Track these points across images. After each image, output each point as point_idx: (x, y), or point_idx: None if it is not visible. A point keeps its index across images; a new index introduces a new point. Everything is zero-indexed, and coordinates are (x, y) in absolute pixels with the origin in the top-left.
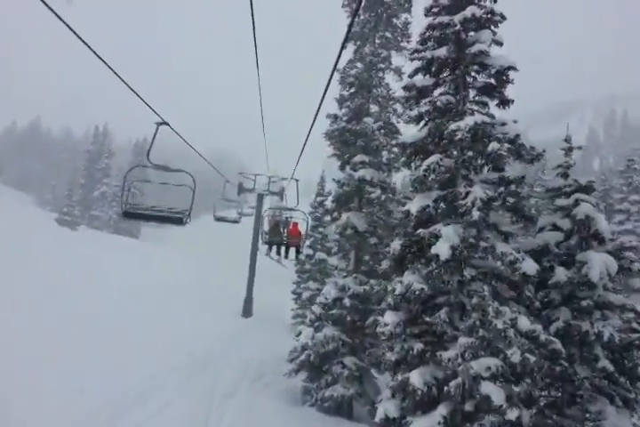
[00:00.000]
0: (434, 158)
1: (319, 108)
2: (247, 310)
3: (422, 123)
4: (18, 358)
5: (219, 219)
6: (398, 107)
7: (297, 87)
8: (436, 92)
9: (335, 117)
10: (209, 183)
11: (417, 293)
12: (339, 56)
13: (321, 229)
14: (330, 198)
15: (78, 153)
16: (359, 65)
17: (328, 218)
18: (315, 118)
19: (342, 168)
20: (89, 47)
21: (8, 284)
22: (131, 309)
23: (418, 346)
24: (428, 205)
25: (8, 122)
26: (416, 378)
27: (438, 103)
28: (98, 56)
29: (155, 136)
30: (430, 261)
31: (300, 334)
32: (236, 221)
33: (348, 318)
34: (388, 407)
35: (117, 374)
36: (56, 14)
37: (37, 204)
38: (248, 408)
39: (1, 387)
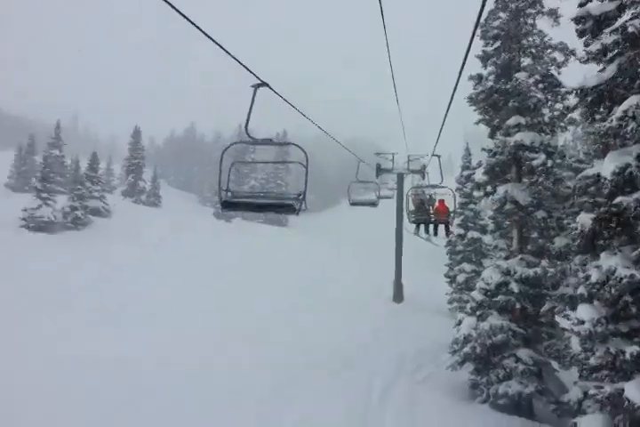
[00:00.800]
0: (633, 100)
1: (461, 70)
2: (398, 295)
3: (603, 63)
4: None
5: (355, 203)
6: (557, 55)
7: (430, 49)
8: (621, 20)
9: (480, 78)
10: (346, 168)
11: (624, 280)
12: (482, 6)
13: (472, 206)
14: (480, 171)
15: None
16: (503, 15)
17: (479, 193)
18: (457, 83)
19: (492, 135)
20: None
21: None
22: (279, 304)
23: (632, 349)
24: (629, 165)
25: (167, 132)
26: (634, 392)
27: (630, 29)
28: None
29: (253, 101)
30: (638, 238)
31: (460, 323)
32: (374, 204)
33: (517, 306)
34: None
35: (266, 373)
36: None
37: (199, 201)
38: (409, 403)
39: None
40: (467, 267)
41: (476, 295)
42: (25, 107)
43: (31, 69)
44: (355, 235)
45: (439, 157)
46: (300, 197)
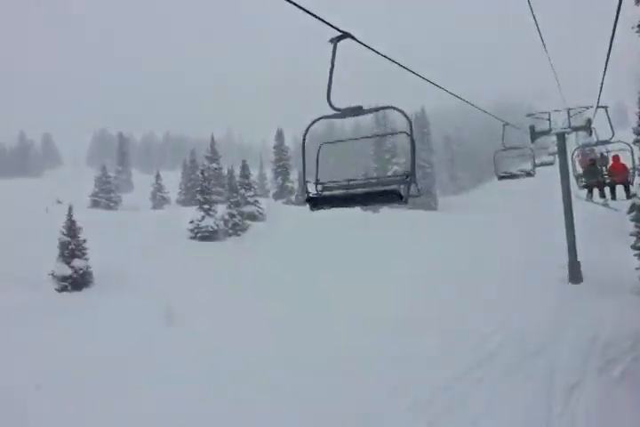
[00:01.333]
0: None
1: None
2: (575, 275)
3: None
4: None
5: (503, 176)
6: None
7: None
8: None
9: None
10: (498, 140)
11: None
12: None
13: None
14: None
15: (367, 140)
16: None
17: None
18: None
19: None
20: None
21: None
22: (436, 289)
23: None
24: None
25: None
26: None
27: None
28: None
29: (334, 55)
30: None
31: None
32: (529, 174)
33: None
34: None
35: (432, 370)
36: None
37: None
38: (603, 407)
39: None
40: None
41: None
42: (186, 127)
43: (186, 94)
44: (513, 210)
45: (606, 108)
46: (408, 178)
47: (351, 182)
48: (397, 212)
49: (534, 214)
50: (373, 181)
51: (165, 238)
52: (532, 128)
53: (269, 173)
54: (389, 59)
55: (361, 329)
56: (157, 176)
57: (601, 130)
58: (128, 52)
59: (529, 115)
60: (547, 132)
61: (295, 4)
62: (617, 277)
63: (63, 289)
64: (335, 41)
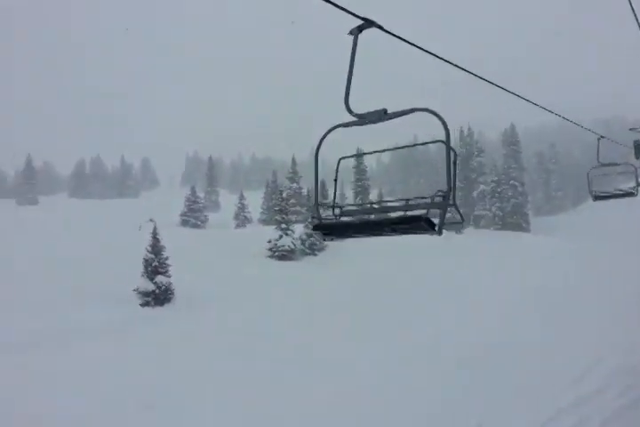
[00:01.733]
0: None
1: None
2: None
3: None
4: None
5: (599, 196)
6: None
7: None
8: None
9: None
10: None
11: None
12: None
13: None
14: None
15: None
16: None
17: None
18: None
19: None
20: None
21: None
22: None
23: None
24: None
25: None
26: None
27: None
28: None
29: (354, 53)
30: None
31: None
32: (630, 194)
33: None
34: None
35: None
36: None
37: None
38: None
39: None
40: None
41: None
42: (271, 149)
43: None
44: (614, 234)
45: None
46: (445, 200)
47: (374, 205)
48: (484, 233)
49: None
50: (399, 204)
51: (244, 257)
52: (636, 143)
53: (350, 193)
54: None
55: (439, 358)
56: (241, 196)
57: None
58: (218, 76)
59: (632, 129)
60: None
61: None
62: None
63: (146, 304)
64: (355, 34)
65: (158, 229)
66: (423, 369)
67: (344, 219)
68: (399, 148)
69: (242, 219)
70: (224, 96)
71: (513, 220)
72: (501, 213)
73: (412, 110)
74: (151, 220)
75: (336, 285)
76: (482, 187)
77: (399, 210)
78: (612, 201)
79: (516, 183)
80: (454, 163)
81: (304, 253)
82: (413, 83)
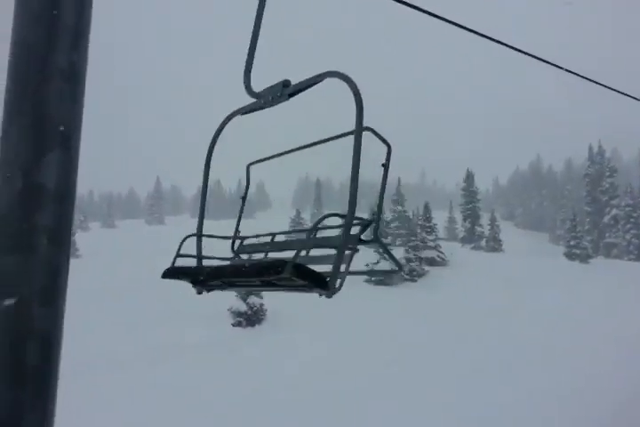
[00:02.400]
0: None
1: None
2: None
3: None
4: None
5: None
6: None
7: None
8: None
9: None
10: None
11: None
12: None
13: None
14: None
15: (580, 180)
16: None
17: None
18: None
19: None
20: None
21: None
22: None
23: None
24: None
25: (512, 168)
26: None
27: None
28: None
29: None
30: None
31: None
32: None
33: None
34: None
35: None
36: None
37: (551, 240)
38: None
39: None
40: None
41: None
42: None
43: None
44: None
45: None
46: (369, 226)
47: (275, 240)
48: (615, 264)
49: None
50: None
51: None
52: None
53: (459, 217)
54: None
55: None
56: None
57: None
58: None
59: None
60: None
61: None
62: None
63: (237, 324)
64: None
65: None
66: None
67: (210, 262)
68: (315, 143)
69: None
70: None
71: None
72: (638, 242)
73: (320, 76)
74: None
75: (426, 313)
76: (614, 211)
77: (298, 247)
78: None
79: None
80: (386, 166)
81: (403, 279)
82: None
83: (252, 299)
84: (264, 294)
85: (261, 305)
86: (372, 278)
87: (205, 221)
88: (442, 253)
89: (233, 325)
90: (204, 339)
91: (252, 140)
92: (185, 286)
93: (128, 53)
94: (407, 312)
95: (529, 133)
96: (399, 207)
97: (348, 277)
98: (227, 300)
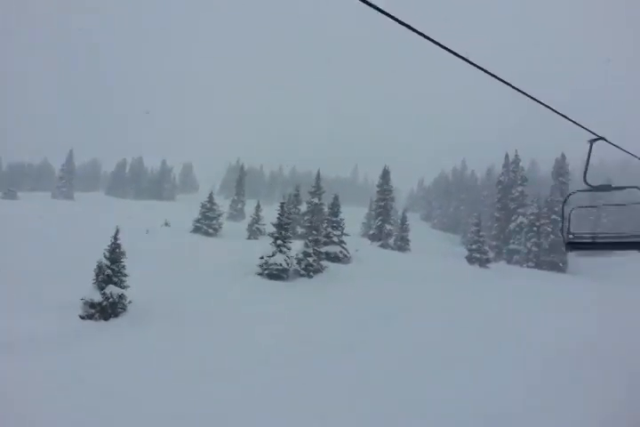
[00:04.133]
0: None
1: None
2: None
3: None
4: None
5: None
6: None
7: None
8: None
9: None
10: None
11: None
12: None
13: None
14: None
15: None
16: None
17: None
18: None
19: None
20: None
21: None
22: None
23: None
24: None
25: (437, 172)
26: None
27: None
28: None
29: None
30: None
31: None
32: None
33: None
34: None
35: None
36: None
37: (462, 243)
38: None
39: None
40: None
41: None
42: (312, 164)
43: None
44: None
45: None
46: None
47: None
48: (511, 268)
49: None
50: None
51: (232, 272)
52: None
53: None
54: None
55: None
56: (257, 207)
57: None
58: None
59: None
60: None
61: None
62: None
63: (88, 317)
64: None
65: (166, 234)
66: None
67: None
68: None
69: (254, 231)
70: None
71: (549, 258)
72: (537, 250)
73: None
74: (167, 224)
75: (312, 312)
76: (520, 219)
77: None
78: None
79: (558, 218)
80: None
81: (299, 274)
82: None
83: (111, 288)
84: (131, 282)
85: (121, 296)
86: (265, 272)
87: (123, 200)
88: (345, 249)
89: (82, 317)
90: (39, 332)
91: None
92: (44, 272)
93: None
94: (287, 308)
95: (463, 139)
96: (315, 200)
97: (241, 271)
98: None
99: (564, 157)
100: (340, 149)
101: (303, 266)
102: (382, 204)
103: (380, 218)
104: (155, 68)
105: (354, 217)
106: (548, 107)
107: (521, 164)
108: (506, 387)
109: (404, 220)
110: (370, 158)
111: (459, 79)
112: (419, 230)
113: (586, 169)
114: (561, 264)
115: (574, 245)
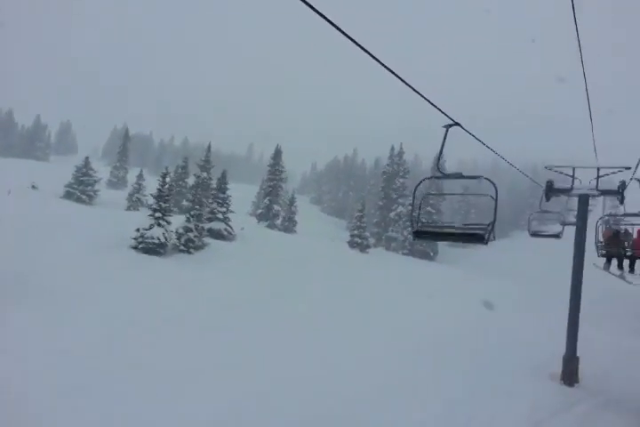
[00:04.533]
0: None
1: None
2: (569, 374)
3: None
4: None
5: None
6: None
7: None
8: None
9: None
10: (519, 197)
11: None
12: None
13: None
14: None
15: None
16: None
17: None
18: None
19: None
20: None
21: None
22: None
23: None
24: None
25: (330, 158)
26: None
27: None
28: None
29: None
30: None
31: None
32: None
33: None
34: None
35: None
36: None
37: (348, 228)
38: None
39: None
40: None
41: None
42: (207, 138)
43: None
44: (521, 272)
45: None
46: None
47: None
48: (388, 254)
49: (544, 279)
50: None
51: (104, 244)
52: (549, 184)
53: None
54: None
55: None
56: (139, 176)
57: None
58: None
59: (548, 167)
60: (567, 191)
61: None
62: (632, 387)
63: None
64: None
65: (32, 198)
66: None
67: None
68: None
69: (135, 201)
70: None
71: (422, 247)
72: (412, 239)
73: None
74: (34, 186)
75: (186, 291)
76: (400, 208)
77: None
78: (522, 243)
79: (432, 210)
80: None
81: (178, 250)
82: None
83: None
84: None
85: None
86: (140, 246)
87: None
88: (230, 226)
89: None
90: None
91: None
92: None
93: None
94: (154, 286)
95: (362, 128)
96: (205, 174)
97: (111, 243)
98: None
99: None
100: (239, 126)
101: (183, 241)
102: (272, 184)
103: (268, 198)
104: None
105: (246, 195)
106: (410, 86)
107: (405, 157)
108: (366, 370)
109: (292, 201)
110: (269, 139)
111: (368, 69)
112: (308, 213)
113: (439, 155)
114: (431, 253)
115: (420, 234)
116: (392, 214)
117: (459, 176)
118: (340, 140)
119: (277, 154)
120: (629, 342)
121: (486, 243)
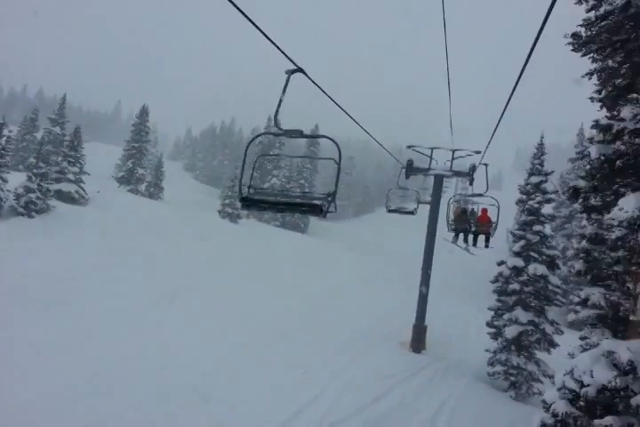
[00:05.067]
0: None
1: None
2: (417, 342)
3: None
4: None
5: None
6: None
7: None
8: None
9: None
10: (387, 174)
11: None
12: None
13: (538, 228)
14: (580, 174)
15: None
16: None
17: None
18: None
19: (613, 106)
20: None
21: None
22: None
23: None
24: None
25: (207, 124)
26: None
27: None
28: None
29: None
30: None
31: None
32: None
33: None
34: None
35: None
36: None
37: (221, 197)
38: None
39: None
40: (521, 315)
41: (557, 402)
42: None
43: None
44: (384, 246)
45: (487, 165)
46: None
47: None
48: (260, 225)
49: (404, 252)
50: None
51: None
52: (409, 163)
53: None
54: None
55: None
56: None
57: (477, 184)
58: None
59: (410, 147)
60: (424, 171)
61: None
62: (468, 353)
63: None
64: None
65: None
66: None
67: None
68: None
69: None
70: None
71: (294, 219)
72: None
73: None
74: None
75: (18, 262)
76: (274, 180)
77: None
78: (382, 220)
79: (305, 184)
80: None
81: (16, 213)
82: None
83: None
84: None
85: None
86: None
87: None
88: (83, 189)
89: None
90: None
91: None
92: None
93: None
94: None
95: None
96: (57, 129)
97: None
98: None
99: (317, 128)
100: (110, 80)
101: (23, 203)
102: (137, 145)
103: (131, 160)
104: None
105: (110, 157)
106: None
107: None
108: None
109: (159, 165)
110: (144, 98)
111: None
112: (178, 180)
113: (277, 108)
114: (302, 225)
115: (248, 202)
116: (266, 186)
117: (298, 134)
118: (217, 107)
119: (143, 113)
120: (470, 314)
121: (325, 216)
